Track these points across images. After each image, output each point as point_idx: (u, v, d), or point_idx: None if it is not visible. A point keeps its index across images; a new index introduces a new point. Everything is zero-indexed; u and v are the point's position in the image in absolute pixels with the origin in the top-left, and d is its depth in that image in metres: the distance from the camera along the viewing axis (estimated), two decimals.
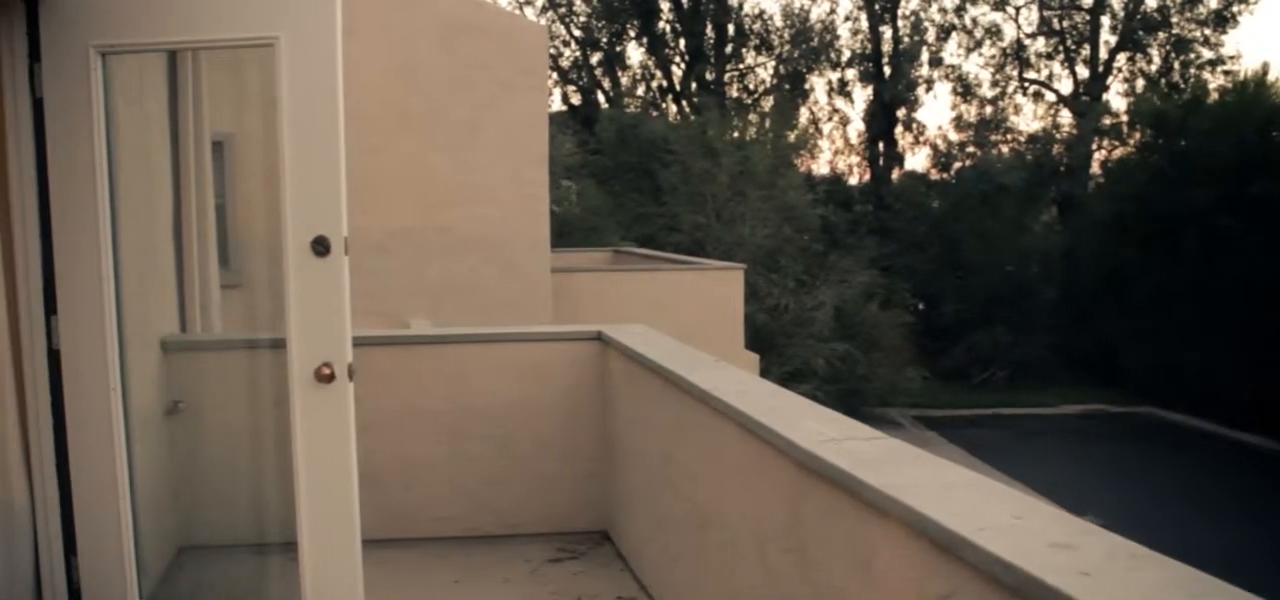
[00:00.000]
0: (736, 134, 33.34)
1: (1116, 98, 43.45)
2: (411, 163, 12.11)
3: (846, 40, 45.43)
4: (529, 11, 40.64)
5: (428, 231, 12.29)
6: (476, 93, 12.67)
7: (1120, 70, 42.76)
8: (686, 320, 11.38)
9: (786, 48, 44.53)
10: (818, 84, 45.75)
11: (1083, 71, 43.30)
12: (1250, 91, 33.55)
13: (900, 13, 44.16)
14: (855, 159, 46.40)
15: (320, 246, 4.23)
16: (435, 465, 6.61)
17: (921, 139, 45.63)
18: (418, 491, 6.54)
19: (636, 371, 5.84)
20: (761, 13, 44.27)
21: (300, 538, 4.45)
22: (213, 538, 5.89)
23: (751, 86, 44.85)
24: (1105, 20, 42.34)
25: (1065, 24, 43.53)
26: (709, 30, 43.50)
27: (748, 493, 4.05)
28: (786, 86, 43.96)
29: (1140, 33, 41.69)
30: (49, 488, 4.56)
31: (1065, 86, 44.06)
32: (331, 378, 4.30)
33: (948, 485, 2.93)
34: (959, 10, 43.91)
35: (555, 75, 42.35)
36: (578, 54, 44.29)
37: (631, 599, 5.72)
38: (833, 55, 44.75)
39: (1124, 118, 39.76)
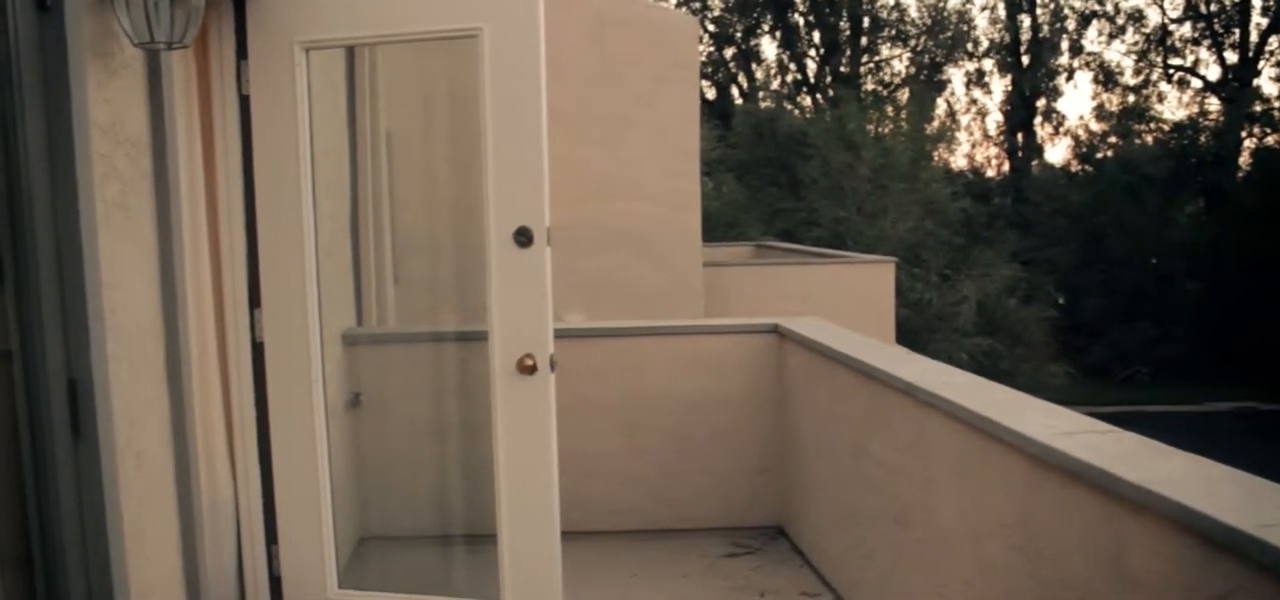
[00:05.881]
0: (871, 128, 32.91)
1: (1268, 83, 41.84)
2: (565, 158, 12.09)
3: (984, 29, 44.61)
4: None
5: (581, 226, 12.31)
6: (628, 87, 12.67)
7: (1272, 54, 41.04)
8: (837, 313, 11.16)
9: (922, 39, 43.86)
10: (955, 75, 44.91)
11: (1231, 56, 41.70)
12: None
13: (1039, 0, 43.18)
14: (993, 151, 45.51)
15: (523, 237, 4.23)
16: (610, 458, 6.61)
17: (1062, 130, 44.51)
18: (593, 484, 6.53)
19: (822, 364, 5.75)
20: (897, 3, 43.57)
21: (500, 529, 4.45)
22: (392, 529, 5.94)
23: (887, 79, 44.26)
24: (1256, 2, 40.75)
25: (1212, 7, 41.96)
26: (843, 22, 43.04)
27: (963, 487, 3.94)
28: (923, 78, 43.27)
29: None
30: (252, 478, 4.65)
31: (1212, 73, 42.52)
32: (534, 369, 4.30)
33: (1211, 480, 2.79)
34: None
35: None
36: (712, 49, 44.18)
37: (815, 594, 5.63)
38: (970, 46, 43.93)
39: (1276, 104, 38.28)
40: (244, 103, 4.44)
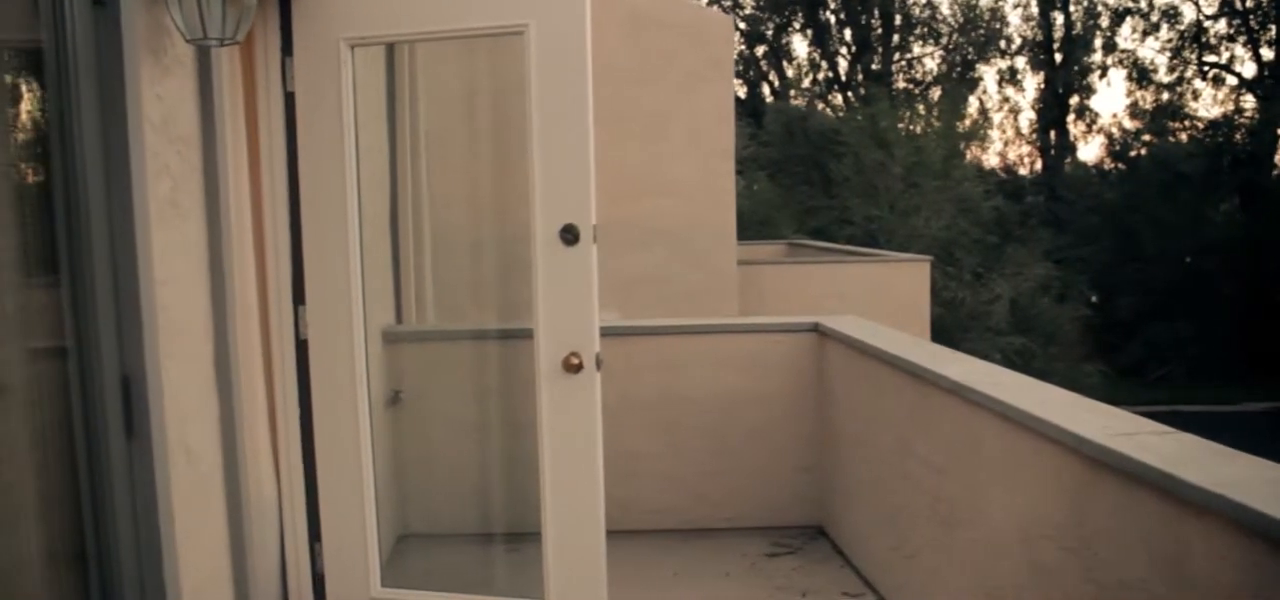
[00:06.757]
0: (903, 126, 32.73)
1: None
2: (601, 156, 12.07)
3: (1016, 27, 44.21)
4: None
5: (616, 224, 12.26)
6: (664, 85, 12.66)
7: None
8: (872, 312, 11.11)
9: (954, 36, 43.59)
10: (987, 73, 44.60)
11: (1267, 53, 41.16)
12: None
13: None
14: (1026, 149, 45.17)
15: (569, 235, 4.23)
16: (649, 457, 6.58)
17: (1095, 127, 44.12)
18: (632, 483, 6.51)
19: (864, 363, 5.71)
20: (929, 1, 43.34)
21: (544, 527, 4.44)
22: (432, 526, 5.94)
23: (918, 77, 44.01)
24: None
25: (1248, 4, 41.47)
26: (875, 20, 42.83)
27: (1014, 487, 3.89)
28: (955, 76, 43.01)
29: None
30: (295, 476, 4.65)
31: (1248, 70, 41.97)
32: (579, 367, 4.28)
33: (1277, 483, 2.74)
34: None
35: None
36: (743, 47, 44.04)
37: (857, 594, 5.59)
38: (1002, 43, 43.61)
39: None
40: (289, 100, 4.44)
